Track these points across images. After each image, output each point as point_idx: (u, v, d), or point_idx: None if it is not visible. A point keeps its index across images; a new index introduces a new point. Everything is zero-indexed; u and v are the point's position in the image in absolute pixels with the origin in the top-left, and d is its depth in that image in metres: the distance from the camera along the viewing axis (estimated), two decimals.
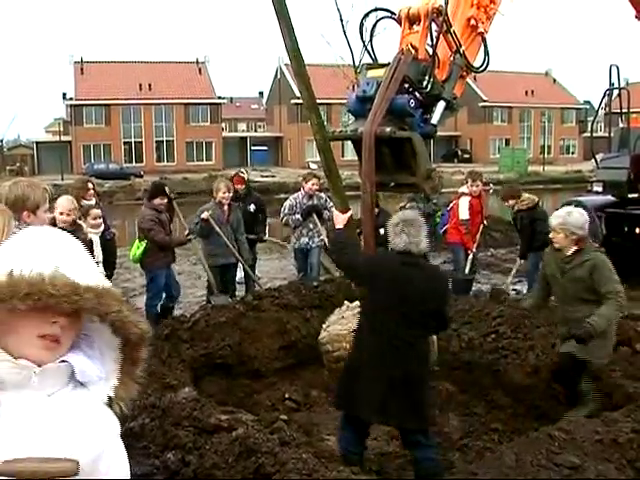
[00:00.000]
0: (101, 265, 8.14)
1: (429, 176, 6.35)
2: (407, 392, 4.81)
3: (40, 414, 1.53)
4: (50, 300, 1.47)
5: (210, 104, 70.27)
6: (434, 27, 6.62)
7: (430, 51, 6.61)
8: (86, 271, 1.58)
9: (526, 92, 76.43)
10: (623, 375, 6.39)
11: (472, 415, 6.86)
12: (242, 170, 11.93)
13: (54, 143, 65.17)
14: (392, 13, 6.99)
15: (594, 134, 15.61)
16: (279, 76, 75.86)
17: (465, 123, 73.96)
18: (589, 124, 16.99)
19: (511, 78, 75.36)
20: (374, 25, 7.17)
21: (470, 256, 11.16)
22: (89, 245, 7.79)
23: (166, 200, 9.50)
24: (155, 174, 56.54)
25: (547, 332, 7.36)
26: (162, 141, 69.67)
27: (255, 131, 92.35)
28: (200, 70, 72.19)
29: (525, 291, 11.33)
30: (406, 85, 6.39)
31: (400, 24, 6.81)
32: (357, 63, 7.38)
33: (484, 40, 7.17)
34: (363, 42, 7.12)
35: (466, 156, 74.36)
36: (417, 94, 6.45)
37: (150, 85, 67.25)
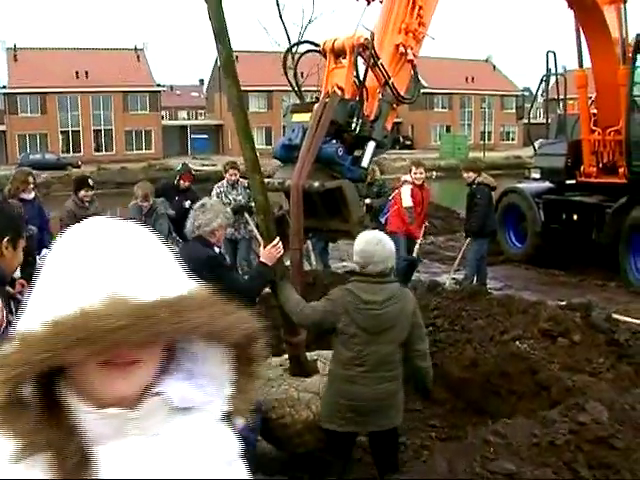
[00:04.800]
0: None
1: (362, 222, 6.09)
2: None
3: (148, 461, 1.20)
4: (108, 338, 1.07)
5: (149, 92, 69.24)
6: (360, 60, 6.36)
7: (357, 84, 6.36)
8: (154, 277, 1.17)
9: (466, 79, 77.06)
10: (562, 367, 6.27)
11: (410, 411, 6.68)
12: (191, 167, 11.60)
13: None
14: (317, 45, 6.73)
15: (532, 121, 15.62)
16: (219, 63, 75.02)
17: (406, 110, 74.07)
18: (526, 111, 17.05)
19: (452, 65, 75.83)
20: (298, 59, 6.94)
21: (417, 245, 10.99)
22: None
23: (91, 192, 9.44)
24: (93, 164, 55.77)
25: (485, 324, 7.23)
26: (100, 130, 68.43)
27: (196, 119, 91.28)
28: (138, 57, 71.04)
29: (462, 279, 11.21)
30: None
31: (325, 57, 6.55)
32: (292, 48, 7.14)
33: (414, 67, 6.95)
34: (287, 77, 6.86)
35: (408, 143, 74.62)
36: (346, 135, 6.20)
37: (87, 72, 65.79)
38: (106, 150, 68.02)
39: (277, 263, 5.37)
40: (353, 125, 6.16)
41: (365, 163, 6.30)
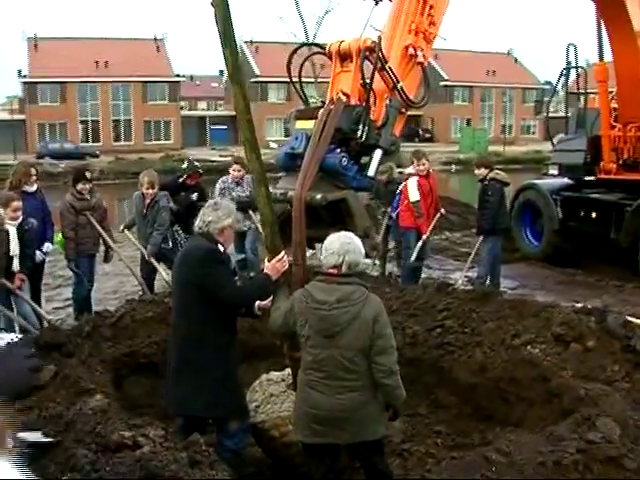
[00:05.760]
0: (17, 258, 7.79)
1: (367, 235, 5.80)
2: (190, 379, 4.92)
3: None
4: None
5: (168, 82, 69.24)
6: (367, 63, 6.07)
7: (364, 87, 6.08)
8: None
9: (487, 72, 76.51)
10: (574, 375, 5.98)
11: (415, 416, 6.52)
12: (197, 165, 11.29)
13: (8, 122, 63.46)
14: (322, 48, 6.46)
15: (550, 115, 15.29)
16: (239, 54, 74.84)
17: None
18: (545, 105, 16.68)
19: (472, 57, 75.35)
20: (303, 62, 6.68)
21: (420, 242, 10.72)
22: (5, 236, 7.48)
23: (88, 185, 9.32)
24: (112, 154, 55.88)
25: (496, 327, 6.95)
26: (119, 120, 68.57)
27: (215, 110, 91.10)
28: (158, 47, 71.16)
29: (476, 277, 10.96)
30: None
31: (331, 59, 6.27)
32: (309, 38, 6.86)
33: (424, 69, 6.64)
34: (292, 81, 6.58)
35: (427, 135, 74.31)
36: (352, 143, 5.92)
37: (106, 62, 65.97)
38: (125, 140, 68.22)
39: (281, 277, 5.20)
40: (359, 132, 5.87)
41: (371, 172, 6.01)
